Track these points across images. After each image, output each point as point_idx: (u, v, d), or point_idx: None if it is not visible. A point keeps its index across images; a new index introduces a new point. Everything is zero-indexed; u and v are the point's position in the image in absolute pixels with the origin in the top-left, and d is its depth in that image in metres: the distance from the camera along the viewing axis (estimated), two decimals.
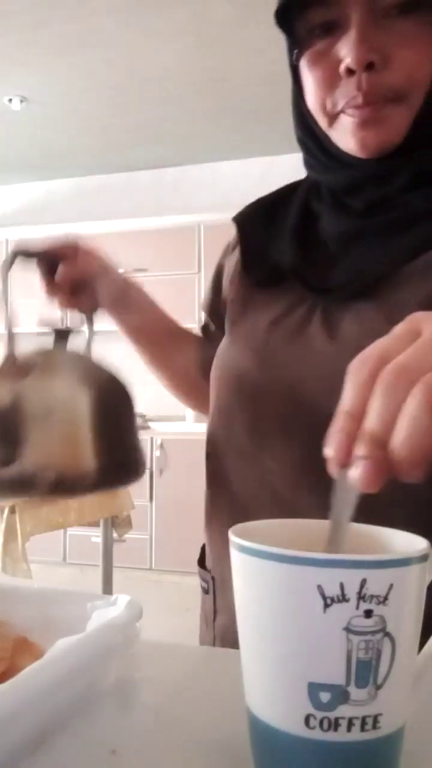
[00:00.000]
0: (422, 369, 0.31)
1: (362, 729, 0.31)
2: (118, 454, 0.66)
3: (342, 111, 0.61)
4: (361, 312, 0.61)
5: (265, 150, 4.33)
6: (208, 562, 0.76)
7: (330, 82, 0.61)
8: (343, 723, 0.31)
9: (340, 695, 0.31)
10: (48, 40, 3.15)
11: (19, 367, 0.66)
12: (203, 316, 0.88)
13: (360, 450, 0.31)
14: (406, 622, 0.32)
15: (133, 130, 4.13)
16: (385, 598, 0.30)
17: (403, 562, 0.31)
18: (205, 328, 0.88)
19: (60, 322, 0.75)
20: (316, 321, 0.64)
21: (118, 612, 0.45)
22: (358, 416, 0.32)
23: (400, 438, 0.30)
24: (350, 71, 0.58)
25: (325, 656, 0.31)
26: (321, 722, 0.31)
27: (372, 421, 0.31)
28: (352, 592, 0.30)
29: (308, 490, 0.61)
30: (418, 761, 0.36)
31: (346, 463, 0.32)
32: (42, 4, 2.87)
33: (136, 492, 3.08)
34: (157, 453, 4.01)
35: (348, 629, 0.30)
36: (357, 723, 0.31)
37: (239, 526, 0.37)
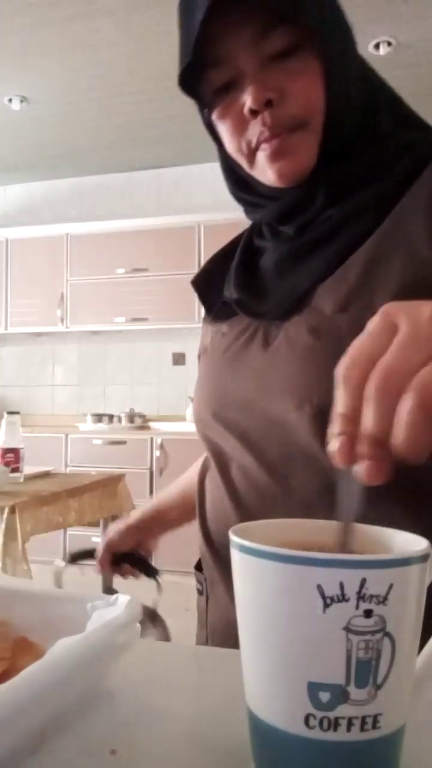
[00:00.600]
0: (411, 370, 0.32)
1: (362, 729, 0.31)
2: None
3: (256, 148, 0.68)
4: (289, 326, 0.68)
5: None
6: (203, 565, 0.80)
7: (240, 126, 0.68)
8: (343, 723, 0.31)
9: (340, 695, 0.31)
10: (48, 40, 3.15)
11: None
12: None
13: (363, 450, 0.33)
14: (406, 622, 0.32)
15: (133, 130, 4.13)
16: (385, 598, 0.30)
17: (403, 562, 0.31)
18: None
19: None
20: (257, 341, 0.71)
21: (118, 612, 0.45)
22: (354, 418, 0.34)
23: (399, 440, 0.32)
24: (253, 112, 0.65)
25: (324, 656, 0.31)
26: (321, 722, 0.31)
27: (370, 425, 0.33)
28: (351, 592, 0.30)
29: (262, 491, 0.68)
30: (418, 761, 0.36)
31: (350, 461, 0.34)
32: (42, 4, 2.88)
33: (136, 492, 3.08)
34: (157, 453, 4.01)
35: (348, 629, 0.30)
36: (357, 723, 0.31)
37: (239, 525, 0.37)
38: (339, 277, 0.65)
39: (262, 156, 0.68)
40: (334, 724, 0.31)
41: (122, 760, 0.37)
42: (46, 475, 2.67)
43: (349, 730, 0.31)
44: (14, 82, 3.56)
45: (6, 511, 2.02)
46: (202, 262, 0.88)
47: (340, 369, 0.35)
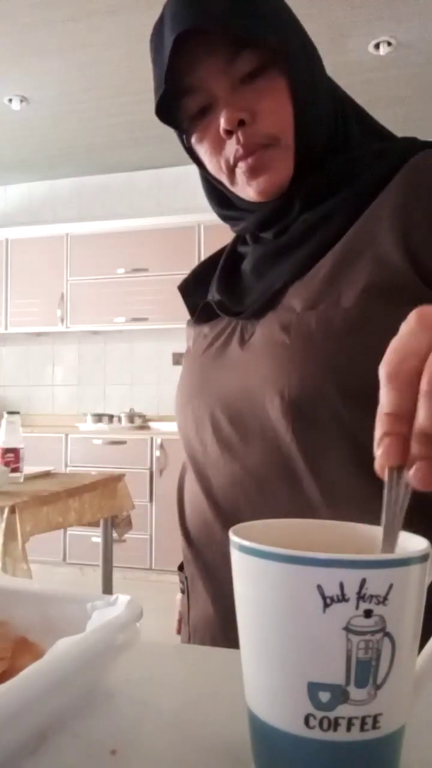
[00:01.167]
0: None
1: (362, 729, 0.31)
2: None
3: (234, 165, 0.72)
4: (263, 323, 0.71)
5: None
6: (185, 563, 0.82)
7: (217, 146, 0.72)
8: (343, 723, 0.31)
9: (340, 695, 0.31)
10: (48, 40, 3.15)
11: None
12: None
13: (417, 450, 0.32)
14: (406, 622, 0.32)
15: (133, 130, 4.13)
16: (385, 598, 0.30)
17: (403, 562, 0.31)
18: None
19: None
20: (235, 339, 0.74)
21: (118, 612, 0.45)
22: (403, 417, 0.33)
23: None
24: (228, 132, 0.69)
25: (324, 656, 0.31)
26: (321, 722, 0.31)
27: (428, 423, 0.32)
28: (351, 592, 0.30)
29: (238, 488, 0.69)
30: (418, 761, 0.36)
31: (400, 463, 0.33)
32: (42, 4, 2.88)
33: (136, 492, 3.09)
34: (157, 453, 4.01)
35: (348, 629, 0.30)
36: (357, 723, 0.31)
37: (239, 525, 0.37)
38: (309, 277, 0.69)
39: (240, 173, 0.72)
40: (334, 724, 0.31)
41: (122, 760, 0.37)
42: (46, 475, 2.67)
43: (349, 730, 0.31)
44: (14, 82, 3.56)
45: (6, 511, 2.02)
46: None
47: (383, 367, 0.34)
